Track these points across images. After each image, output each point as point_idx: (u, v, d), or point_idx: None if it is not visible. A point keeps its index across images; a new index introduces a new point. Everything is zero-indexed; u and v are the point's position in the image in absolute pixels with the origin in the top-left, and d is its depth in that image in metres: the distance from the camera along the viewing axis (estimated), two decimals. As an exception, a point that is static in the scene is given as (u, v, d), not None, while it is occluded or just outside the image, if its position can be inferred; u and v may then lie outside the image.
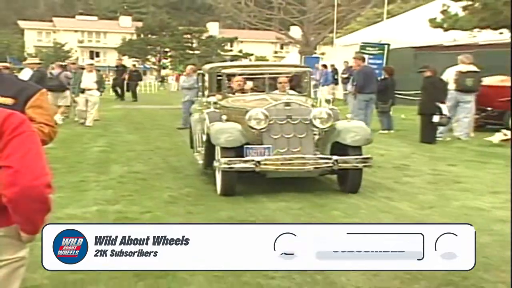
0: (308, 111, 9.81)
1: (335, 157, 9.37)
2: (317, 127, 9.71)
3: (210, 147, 9.99)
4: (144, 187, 10.82)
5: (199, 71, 14.38)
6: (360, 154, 9.64)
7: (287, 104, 9.74)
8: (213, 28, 78.75)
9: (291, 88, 11.50)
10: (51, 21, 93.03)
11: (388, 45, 28.65)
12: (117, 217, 8.61)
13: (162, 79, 65.53)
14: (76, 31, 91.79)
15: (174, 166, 13.08)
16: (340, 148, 9.66)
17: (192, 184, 10.93)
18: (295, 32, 60.16)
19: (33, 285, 5.61)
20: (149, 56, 77.22)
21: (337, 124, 9.87)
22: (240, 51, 69.25)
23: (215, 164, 9.66)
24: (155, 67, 74.79)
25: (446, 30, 22.86)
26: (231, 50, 71.81)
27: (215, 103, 10.76)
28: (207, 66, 12.78)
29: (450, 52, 21.03)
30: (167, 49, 76.65)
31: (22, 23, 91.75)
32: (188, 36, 76.48)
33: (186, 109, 19.97)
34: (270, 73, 11.80)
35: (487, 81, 18.25)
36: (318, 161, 9.53)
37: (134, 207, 9.22)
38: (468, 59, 17.47)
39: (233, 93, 11.41)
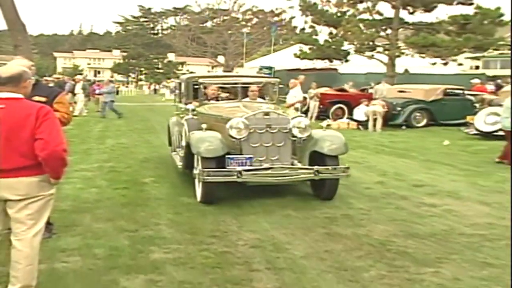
0: (286, 120, 6.56)
1: (316, 167, 6.26)
2: (295, 136, 6.53)
3: (189, 153, 6.65)
4: (127, 152, 10.69)
5: (176, 80, 10.20)
6: (337, 163, 6.50)
7: (266, 113, 6.51)
8: (171, 56, 77.54)
9: (260, 97, 8.16)
10: (72, 52, 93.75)
11: (274, 67, 29.66)
12: (110, 170, 8.51)
13: (140, 87, 64.54)
14: (86, 57, 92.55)
15: (146, 139, 12.90)
16: (317, 156, 6.57)
17: (158, 151, 10.79)
18: (221, 59, 60.28)
19: (60, 210, 5.57)
20: (130, 73, 76.08)
21: (313, 133, 6.77)
22: (187, 70, 68.56)
23: (195, 172, 6.42)
24: (134, 80, 73.46)
25: (301, 59, 24.43)
26: (181, 69, 70.94)
27: (193, 110, 7.58)
28: (184, 76, 9.17)
29: (304, 73, 22.20)
30: (142, 69, 75.64)
31: (55, 54, 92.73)
32: (156, 60, 75.54)
33: (104, 105, 20.14)
34: (242, 83, 8.31)
35: (321, 90, 19.10)
36: (300, 171, 6.36)
37: (120, 164, 9.13)
38: (300, 78, 18.43)
39: (208, 101, 7.98)
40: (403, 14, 20.94)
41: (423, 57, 21.33)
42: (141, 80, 73.27)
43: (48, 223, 4.27)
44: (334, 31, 22.73)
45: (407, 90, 17.10)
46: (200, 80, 8.12)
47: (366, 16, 21.67)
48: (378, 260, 4.28)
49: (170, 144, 9.33)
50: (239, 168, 6.07)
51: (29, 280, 3.34)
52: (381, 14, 21.31)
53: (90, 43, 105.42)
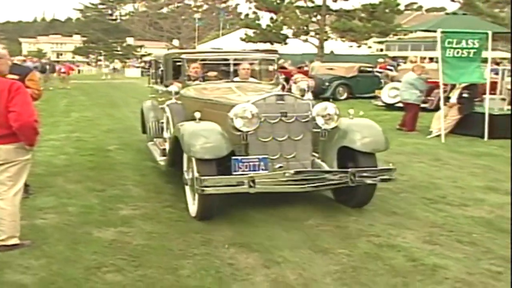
0: (307, 106, 4.40)
1: (351, 170, 4.13)
2: (318, 127, 4.37)
3: (176, 149, 4.38)
4: (91, 124, 10.32)
5: (149, 59, 6.97)
6: (375, 162, 4.39)
7: (280, 97, 4.36)
8: (130, 40, 74.82)
9: (253, 76, 5.91)
10: (36, 37, 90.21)
11: (222, 49, 29.39)
12: (76, 139, 8.26)
13: (99, 67, 62.31)
14: (49, 42, 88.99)
15: (109, 113, 12.44)
16: (345, 153, 4.41)
17: (121, 122, 10.47)
18: (176, 42, 59.36)
19: (34, 174, 5.32)
20: (90, 55, 73.17)
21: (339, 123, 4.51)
22: (145, 52, 66.64)
23: (186, 177, 4.29)
24: (94, 61, 70.70)
25: (247, 42, 24.58)
26: (139, 51, 68.79)
27: (176, 93, 5.36)
28: (162, 52, 6.95)
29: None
30: (101, 51, 72.92)
31: (20, 39, 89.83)
32: (115, 44, 72.97)
33: None
34: (235, 59, 5.85)
35: None
36: (329, 176, 4.16)
37: (86, 134, 8.83)
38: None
39: (192, 81, 5.64)
40: (329, 2, 22.09)
41: (344, 41, 23.07)
42: (100, 61, 70.79)
43: (25, 185, 4.19)
44: (275, 17, 23.53)
45: (333, 68, 17.65)
46: (184, 56, 5.76)
47: (301, 3, 22.68)
48: (315, 212, 4.45)
49: (144, 131, 7.10)
50: (252, 174, 3.94)
51: (14, 232, 3.44)
52: (312, 2, 22.42)
53: (52, 29, 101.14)
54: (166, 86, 5.85)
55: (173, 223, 4.11)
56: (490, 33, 8.62)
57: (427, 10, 47.29)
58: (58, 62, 32.87)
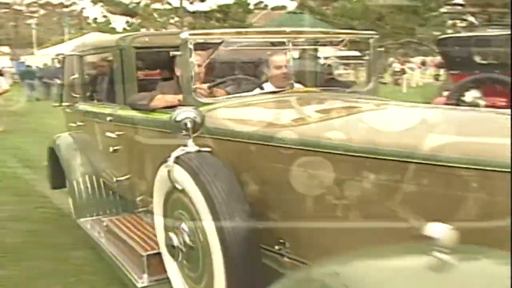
0: None
1: None
2: None
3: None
4: None
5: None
6: None
7: None
8: None
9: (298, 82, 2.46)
10: None
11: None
12: None
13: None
14: None
15: None
16: None
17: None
18: (6, 49, 54.17)
19: None
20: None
21: None
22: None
23: None
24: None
25: None
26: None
27: (197, 127, 1.78)
28: (105, 39, 3.75)
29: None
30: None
31: None
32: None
33: None
34: (293, 44, 2.25)
35: None
36: None
37: None
38: None
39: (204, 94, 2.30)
40: (186, 4, 23.44)
41: None
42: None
43: None
44: (131, 20, 23.73)
45: None
46: (185, 36, 2.26)
47: (158, 6, 23.23)
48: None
49: (55, 185, 4.11)
50: None
51: None
52: (170, 4, 23.25)
53: None
54: (133, 107, 2.66)
55: (50, 221, 4.00)
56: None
57: (272, 9, 51.47)
58: None
